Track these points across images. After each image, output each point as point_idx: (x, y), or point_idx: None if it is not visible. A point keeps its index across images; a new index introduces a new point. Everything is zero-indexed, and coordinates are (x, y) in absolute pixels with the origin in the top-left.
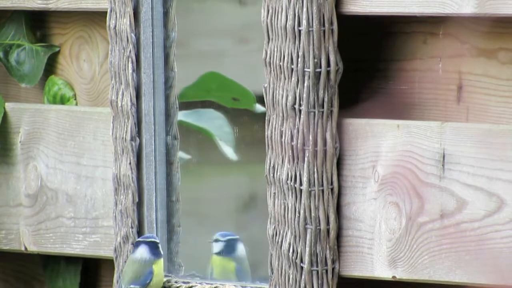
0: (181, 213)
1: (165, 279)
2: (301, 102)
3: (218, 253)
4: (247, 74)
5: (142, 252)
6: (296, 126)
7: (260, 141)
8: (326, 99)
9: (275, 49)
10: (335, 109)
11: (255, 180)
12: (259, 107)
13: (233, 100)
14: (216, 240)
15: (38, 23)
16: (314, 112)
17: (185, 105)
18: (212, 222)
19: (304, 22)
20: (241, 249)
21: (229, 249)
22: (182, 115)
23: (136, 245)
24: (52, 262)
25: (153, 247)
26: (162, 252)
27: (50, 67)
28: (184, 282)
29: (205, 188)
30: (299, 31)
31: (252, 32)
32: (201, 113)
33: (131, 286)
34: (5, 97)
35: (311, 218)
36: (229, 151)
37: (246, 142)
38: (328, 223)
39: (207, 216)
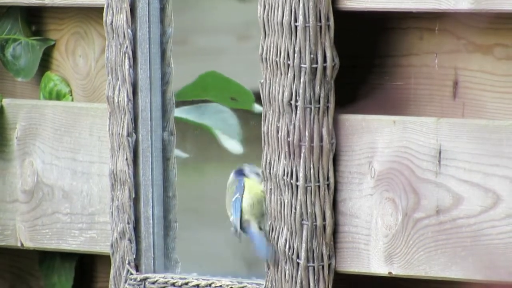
0: (178, 209)
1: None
2: (298, 98)
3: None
4: (246, 72)
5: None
6: (293, 122)
7: (258, 138)
8: (322, 95)
9: (272, 45)
10: (331, 105)
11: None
12: (257, 107)
13: (231, 99)
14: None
15: (34, 19)
16: (311, 108)
17: (186, 102)
18: (212, 220)
19: (300, 17)
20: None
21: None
22: (182, 111)
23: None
24: (48, 259)
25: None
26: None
27: (46, 63)
28: (180, 278)
29: (204, 186)
30: (296, 26)
31: (251, 29)
32: (203, 108)
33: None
34: (1, 93)
35: (307, 214)
36: (233, 145)
37: (246, 138)
38: (324, 219)
39: (207, 214)
